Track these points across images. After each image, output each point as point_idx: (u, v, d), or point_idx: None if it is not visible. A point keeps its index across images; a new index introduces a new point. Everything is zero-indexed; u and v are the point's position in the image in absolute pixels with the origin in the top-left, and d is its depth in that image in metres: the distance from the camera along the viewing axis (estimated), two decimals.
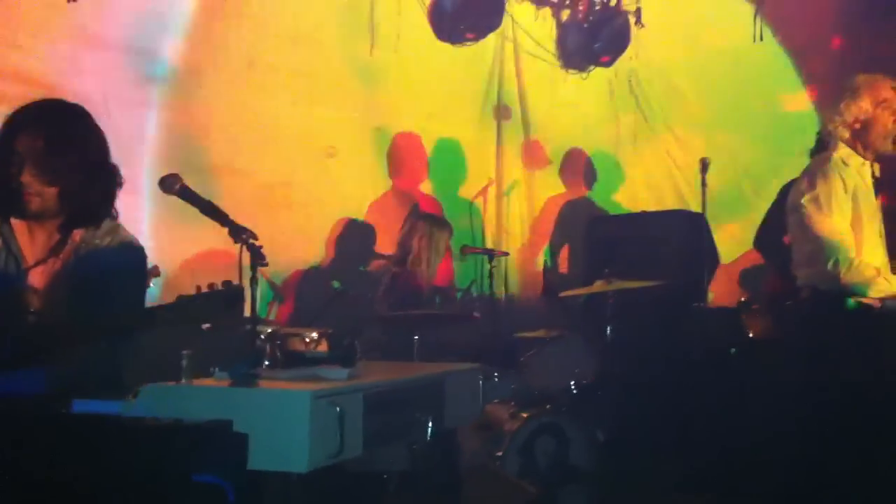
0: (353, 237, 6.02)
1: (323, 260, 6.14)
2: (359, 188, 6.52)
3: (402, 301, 5.15)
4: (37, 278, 3.00)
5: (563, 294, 5.51)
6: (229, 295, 2.58)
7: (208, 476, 2.00)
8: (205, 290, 2.62)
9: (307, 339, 4.54)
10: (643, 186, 7.63)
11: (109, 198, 3.10)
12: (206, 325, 2.98)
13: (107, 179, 3.08)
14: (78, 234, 3.05)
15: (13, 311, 2.88)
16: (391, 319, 4.96)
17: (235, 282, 2.70)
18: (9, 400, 2.73)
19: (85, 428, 2.08)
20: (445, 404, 2.84)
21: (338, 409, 2.24)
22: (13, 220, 3.03)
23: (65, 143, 2.94)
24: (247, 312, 3.01)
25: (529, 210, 7.41)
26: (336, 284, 5.84)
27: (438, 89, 6.99)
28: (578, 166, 7.54)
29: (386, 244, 6.20)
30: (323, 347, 3.41)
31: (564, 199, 7.40)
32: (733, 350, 5.16)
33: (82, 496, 2.07)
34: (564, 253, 7.14)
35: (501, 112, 7.41)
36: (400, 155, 6.81)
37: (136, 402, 2.27)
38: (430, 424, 2.69)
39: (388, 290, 5.29)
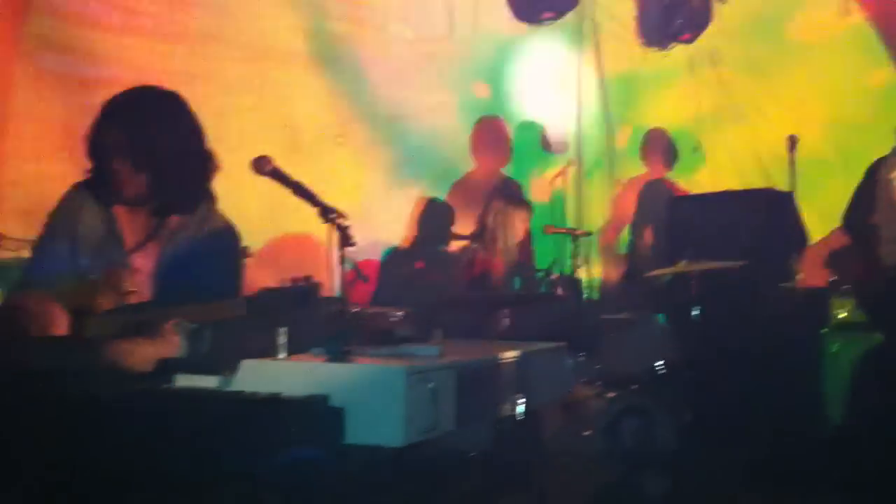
0: (434, 217, 6.04)
1: (405, 240, 6.18)
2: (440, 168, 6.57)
3: (480, 281, 5.17)
4: (137, 262, 3.09)
5: (646, 275, 5.45)
6: (306, 291, 2.62)
7: (306, 449, 2.04)
8: (286, 284, 2.68)
9: (392, 319, 4.62)
10: (727, 165, 7.47)
11: (203, 183, 3.17)
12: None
13: (199, 165, 3.14)
14: (174, 219, 3.13)
15: (116, 293, 2.97)
16: (471, 299, 4.98)
17: (315, 273, 2.75)
18: (112, 374, 2.83)
19: (187, 401, 2.14)
20: (534, 383, 2.84)
21: (431, 385, 2.27)
22: (115, 205, 3.13)
23: (154, 130, 3.01)
24: (336, 291, 3.06)
25: (610, 191, 7.34)
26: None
27: (516, 70, 6.98)
28: (659, 146, 7.42)
29: (466, 224, 6.22)
30: (408, 326, 3.44)
31: (645, 179, 7.31)
32: (824, 331, 5.04)
33: (183, 468, 2.13)
34: (646, 233, 7.05)
35: (581, 92, 7.35)
36: (482, 136, 6.83)
37: (234, 377, 2.33)
38: (521, 403, 2.70)
39: (466, 269, 5.31)
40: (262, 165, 3.02)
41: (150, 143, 2.98)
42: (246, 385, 2.26)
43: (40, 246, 3.17)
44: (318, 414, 2.06)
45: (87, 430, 2.14)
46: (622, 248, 7.08)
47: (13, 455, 2.30)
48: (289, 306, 2.60)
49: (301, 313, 2.62)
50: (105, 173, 3.02)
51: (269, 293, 2.63)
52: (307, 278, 2.64)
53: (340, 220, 3.03)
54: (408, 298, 5.12)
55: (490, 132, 6.92)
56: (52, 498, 2.27)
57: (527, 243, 5.64)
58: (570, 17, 7.11)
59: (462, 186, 6.66)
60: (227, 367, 2.53)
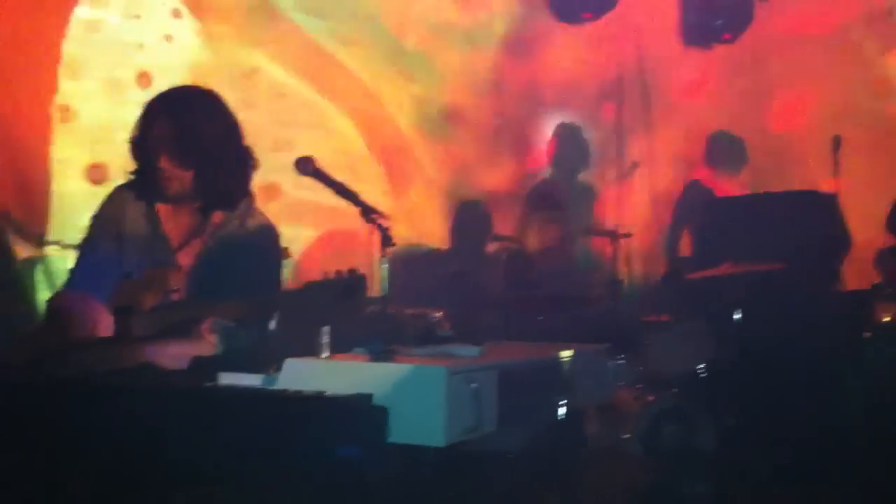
0: (472, 218, 6.03)
1: (443, 240, 6.18)
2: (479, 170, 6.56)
3: (519, 282, 5.15)
4: (182, 259, 3.13)
5: (687, 276, 5.41)
6: (352, 283, 2.63)
7: (349, 448, 2.04)
8: (331, 276, 2.69)
9: (431, 319, 4.62)
10: (770, 166, 7.38)
11: (244, 180, 3.20)
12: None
13: (240, 162, 3.17)
14: (217, 217, 3.16)
15: (160, 292, 3.01)
16: (511, 301, 4.97)
17: (360, 266, 2.76)
18: (156, 372, 2.86)
19: (232, 399, 2.16)
20: (576, 385, 2.83)
21: (473, 385, 2.27)
22: (158, 204, 3.17)
23: (198, 129, 3.04)
24: (377, 292, 3.07)
25: (651, 192, 7.28)
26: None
27: (558, 71, 6.95)
28: (701, 146, 7.35)
29: (505, 226, 6.21)
30: (447, 326, 3.44)
31: (687, 180, 7.24)
32: (868, 334, 4.97)
33: (229, 465, 2.15)
34: (687, 235, 6.99)
35: (622, 94, 7.31)
36: (522, 137, 6.82)
37: (278, 375, 2.35)
38: (562, 405, 2.69)
39: (505, 271, 5.30)
40: (306, 166, 3.04)
41: (194, 141, 3.02)
42: (289, 384, 2.27)
43: (85, 247, 3.22)
44: (362, 413, 2.06)
45: (129, 429, 2.16)
46: (663, 250, 7.01)
47: (58, 454, 2.33)
48: (335, 299, 2.61)
49: (347, 305, 2.64)
50: (150, 172, 3.06)
51: (315, 286, 2.65)
52: (352, 271, 2.65)
53: (381, 221, 3.04)
54: (446, 299, 5.13)
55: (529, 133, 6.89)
56: (97, 496, 2.30)
57: (567, 244, 5.62)
58: (609, 17, 7.08)
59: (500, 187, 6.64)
60: (270, 365, 2.54)
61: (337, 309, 2.64)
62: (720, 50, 7.33)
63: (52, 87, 4.61)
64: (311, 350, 2.59)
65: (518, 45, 6.99)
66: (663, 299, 5.80)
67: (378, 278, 3.32)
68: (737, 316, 4.89)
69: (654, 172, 7.35)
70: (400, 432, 2.17)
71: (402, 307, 4.64)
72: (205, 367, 2.83)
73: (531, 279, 5.15)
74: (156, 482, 2.27)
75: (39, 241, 4.43)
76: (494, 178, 6.73)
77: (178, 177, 3.04)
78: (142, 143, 3.08)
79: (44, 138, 4.55)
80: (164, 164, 3.02)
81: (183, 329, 3.03)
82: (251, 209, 3.21)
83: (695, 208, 6.63)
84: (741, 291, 4.93)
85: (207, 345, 3.04)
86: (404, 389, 2.22)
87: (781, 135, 7.44)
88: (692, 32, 7.30)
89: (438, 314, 4.64)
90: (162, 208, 3.17)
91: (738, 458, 4.55)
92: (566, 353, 2.81)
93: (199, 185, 3.08)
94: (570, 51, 7.07)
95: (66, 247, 4.36)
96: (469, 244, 5.75)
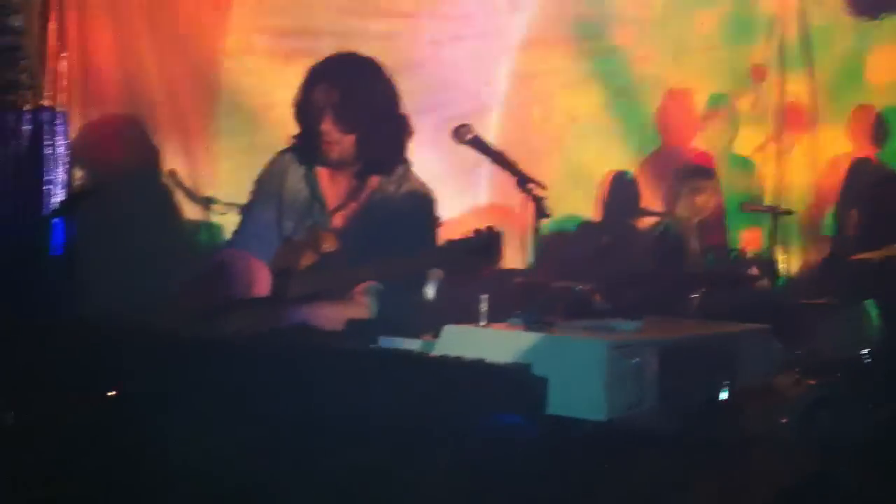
0: (622, 192, 5.92)
1: (592, 214, 6.09)
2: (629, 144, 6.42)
3: (670, 258, 5.03)
4: (338, 221, 3.19)
5: (851, 258, 5.14)
6: (489, 239, 2.63)
7: (510, 416, 2.03)
8: (470, 235, 2.70)
9: (576, 291, 4.56)
10: None
11: (401, 146, 3.24)
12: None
13: (399, 128, 3.21)
14: (374, 181, 3.20)
15: (316, 254, 3.08)
16: (662, 276, 4.85)
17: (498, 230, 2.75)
18: (311, 332, 2.93)
19: (393, 362, 2.18)
20: (739, 365, 2.72)
21: (634, 360, 2.21)
22: (317, 168, 3.23)
23: (359, 93, 3.09)
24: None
25: (813, 169, 6.94)
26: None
27: (709, 42, 6.70)
28: (867, 123, 6.94)
29: (655, 200, 6.07)
30: (600, 299, 3.38)
31: (852, 158, 6.86)
32: None
33: (388, 427, 2.18)
34: (853, 215, 6.63)
35: (783, 64, 6.98)
36: (670, 111, 6.62)
37: (437, 341, 2.35)
38: (724, 385, 2.59)
39: (656, 245, 5.19)
40: (463, 134, 3.03)
41: (357, 105, 3.07)
42: (448, 349, 2.27)
43: (248, 209, 3.33)
44: (522, 382, 2.04)
45: (288, 387, 2.21)
46: (825, 230, 6.68)
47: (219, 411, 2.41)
48: (474, 255, 2.62)
49: (485, 261, 2.64)
50: (312, 136, 3.13)
51: (454, 243, 2.67)
52: (490, 228, 2.65)
53: (537, 191, 3.01)
54: (594, 272, 5.05)
55: (677, 106, 6.69)
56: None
57: (720, 220, 5.44)
58: None
59: (650, 163, 6.48)
60: (425, 330, 2.56)
61: (475, 264, 2.65)
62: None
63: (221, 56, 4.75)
64: (467, 317, 2.58)
65: None
66: (825, 281, 5.54)
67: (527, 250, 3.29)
68: None
69: (816, 148, 7.00)
70: (558, 404, 2.14)
71: (548, 279, 4.61)
72: (360, 329, 2.88)
73: (683, 254, 5.01)
74: (312, 442, 2.33)
75: (205, 202, 4.60)
76: None
77: (340, 141, 3.10)
78: (304, 107, 3.15)
79: (211, 105, 4.70)
80: (327, 127, 3.08)
81: (337, 291, 3.09)
82: (408, 174, 3.24)
83: (863, 187, 6.29)
84: None
85: (361, 307, 3.10)
86: (564, 361, 2.19)
87: None
88: (860, 1, 6.90)
89: (584, 287, 4.58)
90: (321, 172, 3.24)
91: None
92: (730, 332, 2.71)
93: (359, 150, 3.13)
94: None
95: (228, 208, 4.52)
96: (619, 217, 5.66)
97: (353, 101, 3.09)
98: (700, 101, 6.69)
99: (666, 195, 5.32)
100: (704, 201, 5.20)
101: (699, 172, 5.31)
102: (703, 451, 3.13)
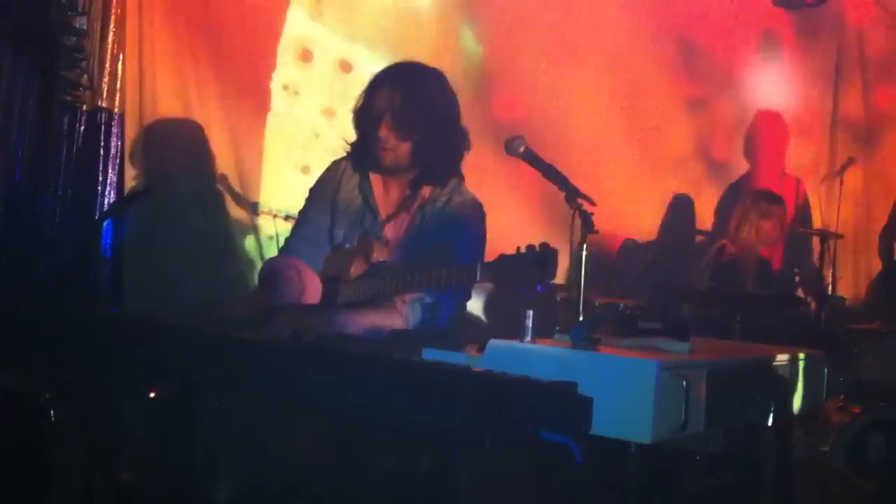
0: (677, 211, 5.89)
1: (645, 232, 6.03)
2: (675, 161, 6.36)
3: (724, 277, 4.98)
4: (389, 230, 3.20)
5: None
6: (544, 256, 2.61)
7: (555, 435, 2.01)
8: (523, 251, 2.67)
9: (621, 309, 4.52)
10: None
11: (457, 157, 3.23)
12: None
13: (456, 140, 3.20)
14: (427, 191, 3.20)
15: (366, 262, 3.08)
16: (713, 296, 4.80)
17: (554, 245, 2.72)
18: (349, 340, 2.94)
19: (438, 375, 2.16)
20: (787, 391, 2.68)
21: (684, 382, 2.18)
22: (372, 176, 3.24)
23: (420, 101, 3.09)
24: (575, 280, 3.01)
25: (865, 189, 6.81)
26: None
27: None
28: None
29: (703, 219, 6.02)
30: (647, 318, 3.34)
31: None
32: None
33: (431, 439, 2.17)
34: None
35: (838, 82, 6.88)
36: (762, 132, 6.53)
37: (481, 355, 2.34)
38: (772, 410, 2.55)
39: (711, 265, 5.14)
40: (516, 147, 3.02)
41: (416, 113, 3.06)
42: (492, 364, 2.25)
43: (303, 215, 3.35)
44: (567, 401, 2.02)
45: (329, 393, 2.21)
46: (875, 254, 6.55)
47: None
48: (528, 271, 2.60)
49: (540, 277, 2.62)
50: (370, 142, 3.13)
51: (508, 258, 2.65)
52: (544, 244, 2.63)
53: (587, 206, 2.99)
54: (642, 289, 5.02)
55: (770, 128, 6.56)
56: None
57: (778, 242, 5.38)
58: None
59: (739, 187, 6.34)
60: (468, 344, 2.55)
61: (530, 280, 2.62)
62: None
63: (272, 64, 4.79)
64: (512, 332, 2.57)
65: None
66: (874, 305, 5.44)
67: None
68: None
69: (869, 169, 6.88)
70: (602, 424, 2.11)
71: (593, 296, 4.59)
72: (403, 339, 2.88)
73: (736, 274, 4.96)
74: (356, 447, 2.33)
75: (252, 208, 4.64)
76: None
77: (395, 147, 3.10)
78: (365, 113, 3.15)
79: (261, 113, 4.73)
80: (384, 133, 3.08)
81: (384, 300, 3.09)
82: (460, 187, 3.24)
83: None
84: None
85: (398, 317, 3.10)
86: (610, 380, 2.15)
87: None
88: None
89: (628, 304, 4.55)
90: (374, 180, 3.24)
91: None
92: (781, 357, 2.66)
93: (414, 158, 3.12)
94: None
95: (276, 216, 4.55)
96: (675, 236, 5.62)
97: (413, 108, 3.08)
98: None
99: (732, 217, 5.25)
100: (771, 228, 5.14)
101: (771, 198, 5.25)
102: (749, 474, 3.08)
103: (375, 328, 3.02)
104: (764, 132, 6.50)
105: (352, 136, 3.25)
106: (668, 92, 6.27)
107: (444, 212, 3.17)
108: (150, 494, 2.55)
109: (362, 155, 3.21)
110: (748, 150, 6.47)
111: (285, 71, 4.79)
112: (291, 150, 4.78)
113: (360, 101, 3.18)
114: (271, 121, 4.81)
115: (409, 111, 3.06)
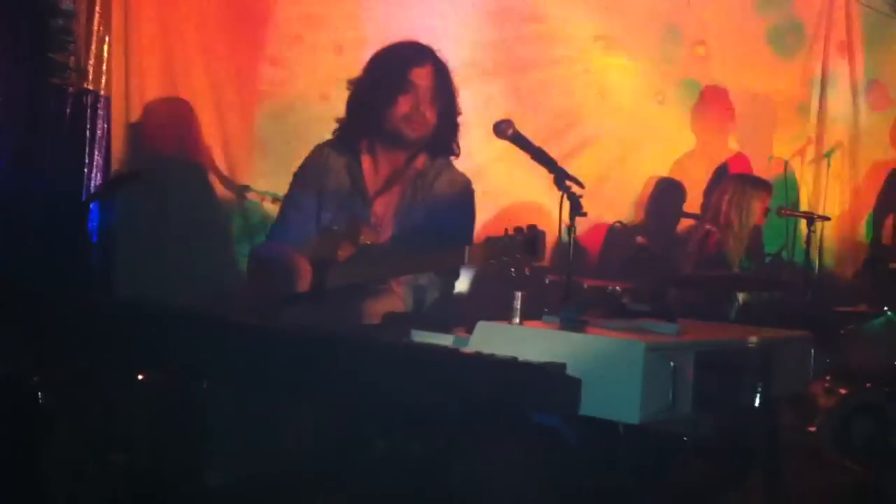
0: (665, 196, 5.90)
1: (633, 217, 6.03)
2: (666, 144, 6.35)
3: (709, 262, 5.00)
4: (379, 206, 3.20)
5: (890, 266, 5.09)
6: (531, 238, 2.62)
7: (543, 416, 2.02)
8: (511, 233, 2.68)
9: (610, 292, 4.54)
10: None
11: (454, 134, 3.26)
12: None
13: (454, 116, 3.24)
14: (420, 162, 3.20)
15: (355, 244, 3.08)
16: (699, 279, 4.82)
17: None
18: (350, 325, 2.94)
19: (426, 357, 2.17)
20: (774, 372, 2.69)
21: (671, 363, 2.19)
22: (361, 157, 3.24)
23: (449, 78, 3.16)
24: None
25: (852, 174, 6.84)
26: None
27: (750, 41, 6.62)
28: None
29: (691, 203, 6.03)
30: (636, 301, 3.35)
31: (893, 164, 6.77)
32: None
33: (421, 421, 2.19)
34: (890, 223, 6.55)
35: (825, 68, 6.89)
36: (706, 110, 6.54)
37: (470, 337, 2.35)
38: (759, 392, 2.57)
39: (696, 249, 5.15)
40: (504, 129, 3.02)
41: (449, 90, 3.14)
42: (481, 346, 2.26)
43: (289, 200, 3.34)
44: (556, 382, 2.03)
45: (328, 378, 2.21)
46: (862, 237, 6.60)
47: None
48: (515, 253, 2.61)
49: (530, 260, 2.63)
50: (391, 117, 3.13)
51: (495, 240, 2.66)
52: (531, 227, 2.64)
53: (575, 189, 2.99)
54: (629, 274, 5.03)
55: (714, 104, 6.58)
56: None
57: (759, 225, 5.40)
58: None
59: (682, 164, 6.40)
60: (457, 325, 2.55)
61: (517, 263, 2.63)
62: None
63: (261, 45, 4.74)
64: (500, 314, 2.58)
65: None
66: (860, 288, 5.48)
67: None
68: None
69: (855, 154, 6.91)
70: (591, 405, 2.12)
71: (580, 278, 4.60)
72: (397, 322, 2.89)
73: (720, 258, 4.98)
74: (350, 431, 2.34)
75: (241, 190, 4.62)
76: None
77: (426, 122, 3.14)
78: (389, 89, 3.15)
79: (251, 95, 4.69)
80: (423, 108, 3.11)
81: (375, 283, 3.10)
82: (449, 163, 3.26)
83: None
84: None
85: (398, 300, 3.11)
86: (598, 362, 2.17)
87: None
88: None
89: (618, 287, 4.56)
90: (364, 161, 3.24)
91: None
92: (768, 337, 2.68)
93: (437, 133, 3.17)
94: None
95: (264, 197, 4.53)
96: (660, 220, 5.63)
97: (448, 83, 3.19)
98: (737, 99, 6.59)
99: (716, 200, 5.26)
100: (752, 207, 5.17)
101: (763, 185, 5.27)
102: (735, 457, 3.11)
103: (376, 312, 3.04)
104: (708, 107, 6.47)
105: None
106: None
107: (434, 189, 3.18)
108: (143, 479, 2.55)
109: (361, 132, 3.21)
110: (695, 123, 6.43)
111: (275, 52, 4.75)
112: (281, 133, 4.74)
113: (377, 78, 3.17)
114: (261, 103, 4.78)
115: (447, 86, 3.15)
